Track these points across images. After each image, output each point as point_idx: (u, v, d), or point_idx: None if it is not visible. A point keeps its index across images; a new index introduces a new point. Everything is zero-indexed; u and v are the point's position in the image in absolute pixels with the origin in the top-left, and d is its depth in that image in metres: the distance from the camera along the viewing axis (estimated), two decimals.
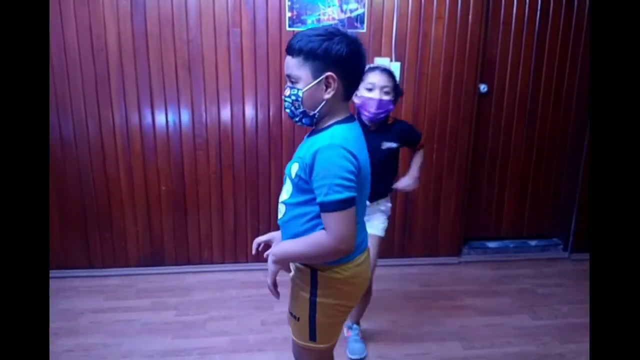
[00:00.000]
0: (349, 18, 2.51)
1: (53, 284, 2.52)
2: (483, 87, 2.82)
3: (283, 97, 1.22)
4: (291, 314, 1.35)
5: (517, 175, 3.04)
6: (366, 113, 1.79)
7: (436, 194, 2.84)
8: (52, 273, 2.60)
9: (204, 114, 2.56)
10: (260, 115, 2.60)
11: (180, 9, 2.41)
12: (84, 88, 2.46)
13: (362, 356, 2.02)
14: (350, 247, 1.14)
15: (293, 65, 1.17)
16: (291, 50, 1.16)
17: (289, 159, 2.81)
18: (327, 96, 1.16)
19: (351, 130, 1.19)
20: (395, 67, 2.59)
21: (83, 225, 2.64)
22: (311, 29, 1.17)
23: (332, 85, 1.15)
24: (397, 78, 1.94)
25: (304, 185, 1.19)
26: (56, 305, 2.35)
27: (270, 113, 2.60)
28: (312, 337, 1.29)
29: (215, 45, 2.48)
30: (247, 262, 2.82)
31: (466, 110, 2.72)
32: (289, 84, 1.22)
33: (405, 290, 2.61)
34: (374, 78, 1.77)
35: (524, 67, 2.86)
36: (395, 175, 1.98)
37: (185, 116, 2.55)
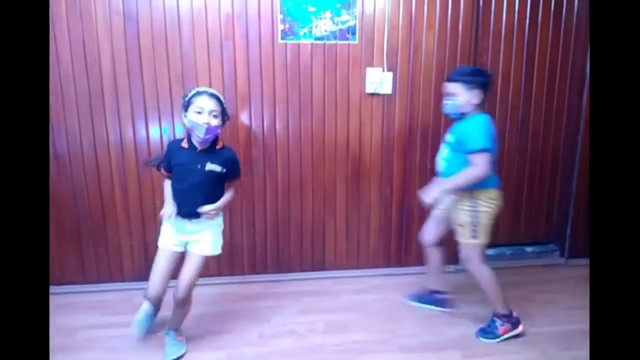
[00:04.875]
0: (340, 30, 2.54)
1: (49, 300, 2.49)
2: None
3: None
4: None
5: (512, 181, 3.05)
6: (196, 137, 1.89)
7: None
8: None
9: None
10: (254, 127, 2.61)
11: (173, 23, 2.43)
12: (78, 104, 2.46)
13: (179, 355, 2.08)
14: None
15: None
16: None
17: (284, 169, 2.82)
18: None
19: None
20: (388, 78, 2.61)
21: (78, 240, 2.63)
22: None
23: None
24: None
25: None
26: (52, 321, 2.32)
27: (265, 125, 2.61)
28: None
29: (208, 58, 2.49)
30: (243, 274, 2.80)
31: None
32: None
33: (403, 299, 2.60)
34: (202, 102, 1.86)
35: (514, 75, 2.89)
36: (217, 199, 2.01)
37: (180, 130, 2.55)
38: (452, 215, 2.22)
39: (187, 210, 1.95)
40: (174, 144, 2.01)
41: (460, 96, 2.05)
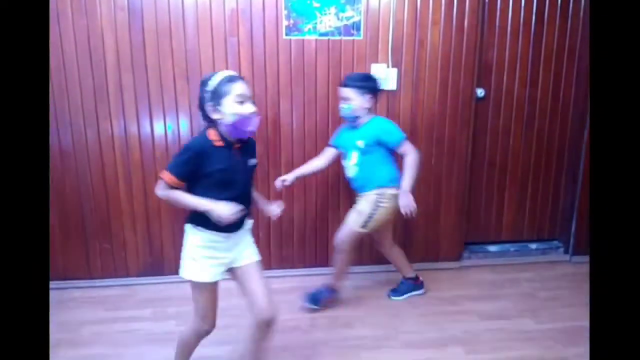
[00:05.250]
0: (345, 25, 2.53)
1: (53, 295, 2.51)
2: (480, 92, 2.83)
3: None
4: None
5: (516, 178, 3.04)
6: (241, 132, 1.57)
7: (436, 198, 2.84)
8: (52, 284, 2.59)
9: (202, 123, 2.56)
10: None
11: (177, 19, 2.43)
12: (83, 99, 2.46)
13: None
14: None
15: None
16: None
17: (287, 165, 2.82)
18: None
19: None
20: (392, 74, 2.61)
21: (83, 236, 2.64)
22: None
23: None
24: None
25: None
26: (57, 317, 2.34)
27: (268, 120, 2.61)
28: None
29: (212, 54, 2.49)
30: None
31: (464, 115, 2.73)
32: None
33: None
34: (241, 89, 1.54)
35: (521, 70, 2.87)
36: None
37: (184, 125, 2.56)
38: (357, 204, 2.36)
39: (239, 221, 1.60)
40: (204, 144, 1.55)
41: (354, 100, 2.21)
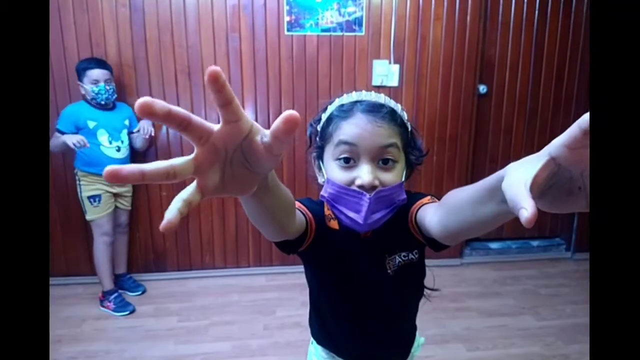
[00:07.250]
0: (347, 21, 2.52)
1: (56, 291, 2.52)
2: (482, 88, 2.82)
3: None
4: None
5: None
6: (345, 218, 0.83)
7: (437, 195, 2.83)
8: (55, 280, 2.60)
9: (204, 119, 2.56)
10: (260, 119, 2.60)
11: (179, 15, 2.42)
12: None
13: None
14: None
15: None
16: None
17: (289, 162, 2.82)
18: None
19: None
20: (394, 70, 2.59)
21: (85, 232, 2.64)
22: None
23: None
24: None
25: None
26: (59, 313, 2.35)
27: (270, 117, 2.61)
28: None
29: (214, 50, 2.48)
30: (248, 266, 2.82)
31: (466, 112, 2.72)
32: None
33: None
34: (350, 129, 0.80)
35: (523, 67, 2.86)
36: (413, 318, 1.07)
37: None
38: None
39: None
40: (320, 212, 0.89)
41: (112, 81, 2.30)
